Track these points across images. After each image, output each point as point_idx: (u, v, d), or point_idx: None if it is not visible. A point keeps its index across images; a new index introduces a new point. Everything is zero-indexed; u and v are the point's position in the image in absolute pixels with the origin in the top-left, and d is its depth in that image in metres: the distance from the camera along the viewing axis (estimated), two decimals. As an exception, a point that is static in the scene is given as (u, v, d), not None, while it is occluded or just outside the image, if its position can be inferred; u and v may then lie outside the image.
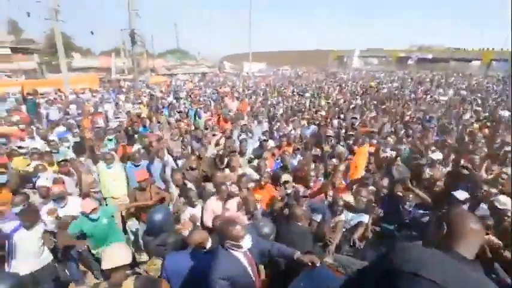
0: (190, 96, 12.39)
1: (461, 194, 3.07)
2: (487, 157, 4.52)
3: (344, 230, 3.20)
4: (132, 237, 4.13)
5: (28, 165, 4.47)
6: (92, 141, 5.17)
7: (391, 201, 3.48)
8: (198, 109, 8.14)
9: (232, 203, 3.25)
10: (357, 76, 27.27)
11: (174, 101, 11.09)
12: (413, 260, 0.98)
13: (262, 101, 10.66)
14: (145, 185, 3.74)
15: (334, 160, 4.53)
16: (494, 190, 3.42)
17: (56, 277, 3.16)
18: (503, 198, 3.00)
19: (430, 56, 40.65)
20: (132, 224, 4.08)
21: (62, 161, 4.28)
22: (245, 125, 6.51)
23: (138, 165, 4.45)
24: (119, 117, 7.37)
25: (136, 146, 5.14)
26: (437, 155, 4.67)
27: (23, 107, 8.72)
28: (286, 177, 3.71)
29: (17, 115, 7.28)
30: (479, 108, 9.62)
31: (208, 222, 3.06)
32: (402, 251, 1.07)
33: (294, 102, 10.53)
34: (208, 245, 2.23)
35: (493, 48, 34.31)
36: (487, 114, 9.02)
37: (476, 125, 7.21)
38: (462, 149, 5.12)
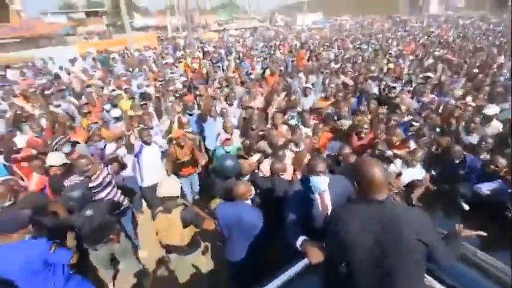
0: (242, 52, 12.30)
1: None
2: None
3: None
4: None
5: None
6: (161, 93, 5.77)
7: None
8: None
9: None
10: (432, 24, 22.70)
11: (229, 55, 11.25)
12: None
13: (316, 55, 9.95)
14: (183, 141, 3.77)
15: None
16: None
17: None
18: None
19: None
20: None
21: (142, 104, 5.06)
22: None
23: (191, 114, 4.80)
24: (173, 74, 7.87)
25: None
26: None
27: (98, 64, 10.07)
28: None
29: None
30: None
31: None
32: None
33: (350, 56, 9.54)
34: (251, 196, 2.42)
35: None
36: None
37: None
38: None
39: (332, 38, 16.17)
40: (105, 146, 3.97)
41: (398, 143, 3.39)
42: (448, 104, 4.52)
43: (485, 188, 2.76)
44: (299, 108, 4.71)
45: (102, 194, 2.98)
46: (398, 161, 3.09)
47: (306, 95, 5.36)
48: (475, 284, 1.66)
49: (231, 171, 2.76)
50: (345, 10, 38.84)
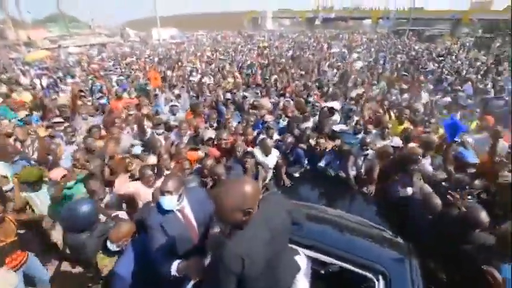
0: (90, 71, 10.42)
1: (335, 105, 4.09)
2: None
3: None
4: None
5: None
6: None
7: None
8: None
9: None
10: (271, 38, 27.74)
11: (70, 77, 9.27)
12: None
13: (177, 69, 9.78)
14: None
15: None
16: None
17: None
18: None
19: (332, 15, 44.25)
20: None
21: None
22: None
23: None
24: None
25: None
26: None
27: None
28: (209, 133, 3.88)
29: None
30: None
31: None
32: None
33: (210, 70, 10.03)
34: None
35: (378, 8, 39.59)
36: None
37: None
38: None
39: (190, 52, 16.51)
40: None
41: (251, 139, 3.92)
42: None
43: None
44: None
45: None
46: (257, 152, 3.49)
47: (172, 112, 5.21)
48: (321, 233, 2.03)
49: (89, 217, 2.17)
50: (198, 25, 40.93)
